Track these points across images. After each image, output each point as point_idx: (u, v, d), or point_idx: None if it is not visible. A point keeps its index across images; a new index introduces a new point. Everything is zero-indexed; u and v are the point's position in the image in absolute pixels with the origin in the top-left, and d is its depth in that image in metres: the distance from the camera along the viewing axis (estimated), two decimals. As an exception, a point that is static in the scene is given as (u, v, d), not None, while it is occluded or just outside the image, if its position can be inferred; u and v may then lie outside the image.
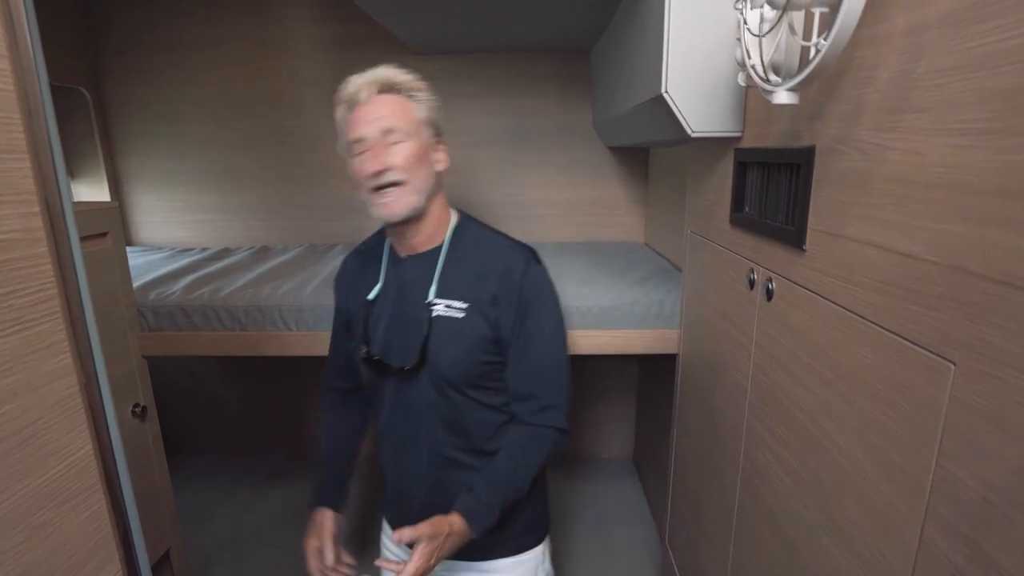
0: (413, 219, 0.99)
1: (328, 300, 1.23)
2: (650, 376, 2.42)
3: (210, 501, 2.50)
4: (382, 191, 0.94)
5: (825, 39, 0.67)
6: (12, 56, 0.53)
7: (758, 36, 0.79)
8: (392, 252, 1.08)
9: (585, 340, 1.64)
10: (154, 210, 2.64)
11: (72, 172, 2.52)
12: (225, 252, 2.47)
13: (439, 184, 1.02)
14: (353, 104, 0.95)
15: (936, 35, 0.58)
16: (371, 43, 2.34)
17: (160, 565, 1.76)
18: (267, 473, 2.70)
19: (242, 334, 1.72)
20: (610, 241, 2.55)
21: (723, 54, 1.09)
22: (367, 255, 1.13)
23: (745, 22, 0.82)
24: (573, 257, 2.14)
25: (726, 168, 1.19)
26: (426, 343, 1.00)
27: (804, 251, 0.87)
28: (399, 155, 0.93)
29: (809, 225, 0.86)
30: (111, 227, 1.54)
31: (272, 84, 2.44)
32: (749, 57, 0.85)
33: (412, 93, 0.97)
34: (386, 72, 0.96)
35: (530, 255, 1.03)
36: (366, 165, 0.93)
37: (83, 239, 1.50)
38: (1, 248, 0.49)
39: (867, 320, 0.71)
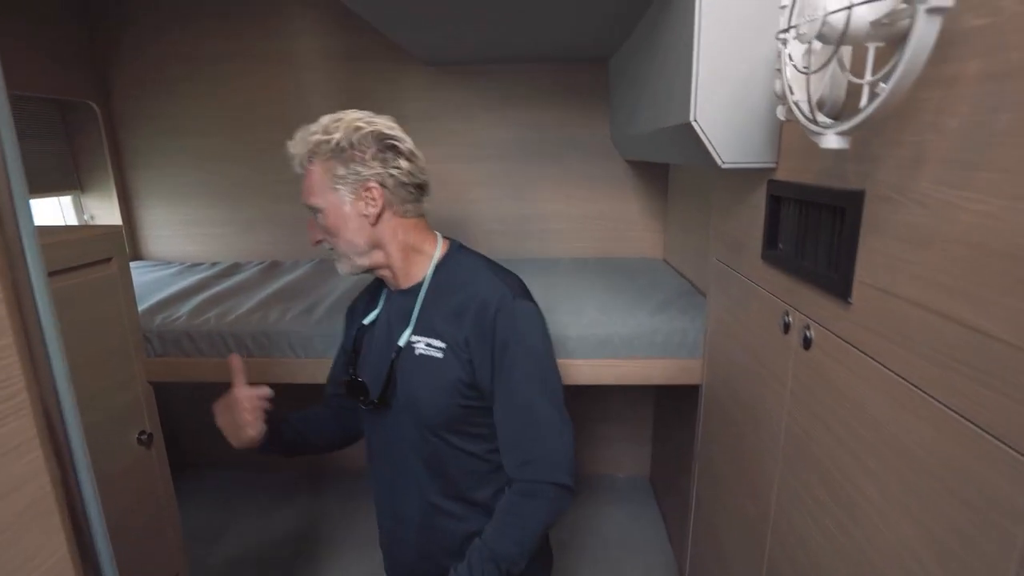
0: (374, 268, 1.00)
1: (335, 326, 1.19)
2: (668, 395, 2.34)
3: (216, 520, 2.47)
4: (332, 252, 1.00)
5: (885, 81, 0.59)
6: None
7: (805, 73, 0.72)
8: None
9: (604, 370, 1.57)
10: (164, 224, 2.60)
11: (81, 186, 2.49)
12: (235, 268, 2.42)
13: (387, 230, 0.95)
14: None
15: (1020, 87, 0.51)
16: (380, 54, 2.29)
17: (166, 594, 1.72)
18: (273, 491, 2.66)
19: (248, 360, 1.67)
20: (627, 257, 2.47)
21: (758, 80, 1.01)
22: (378, 283, 1.11)
23: (789, 57, 0.74)
24: (590, 278, 2.07)
25: (758, 200, 1.11)
26: (389, 382, 0.99)
27: (850, 303, 0.80)
28: (322, 228, 0.96)
29: (856, 276, 0.78)
30: (115, 252, 1.49)
31: (281, 96, 2.39)
32: (792, 92, 0.77)
33: (330, 149, 0.90)
34: (305, 138, 0.93)
35: (507, 292, 0.94)
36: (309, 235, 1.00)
37: (86, 266, 1.47)
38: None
39: (927, 394, 0.63)
